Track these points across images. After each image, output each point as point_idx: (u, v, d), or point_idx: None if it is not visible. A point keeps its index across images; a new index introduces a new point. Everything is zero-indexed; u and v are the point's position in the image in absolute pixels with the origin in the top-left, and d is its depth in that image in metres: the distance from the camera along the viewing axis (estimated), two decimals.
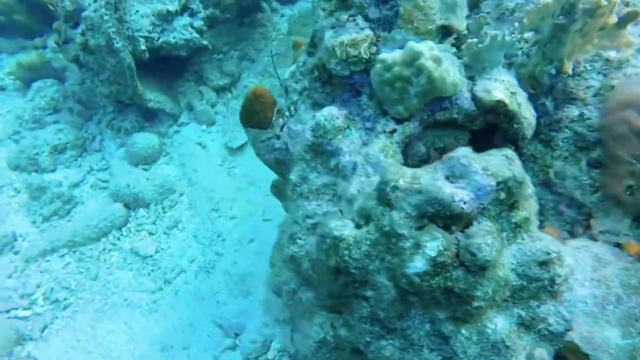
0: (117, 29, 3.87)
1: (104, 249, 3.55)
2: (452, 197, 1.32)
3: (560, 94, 1.97)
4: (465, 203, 1.32)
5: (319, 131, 1.76)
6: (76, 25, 4.23)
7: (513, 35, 1.64)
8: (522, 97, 1.76)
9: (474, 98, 1.74)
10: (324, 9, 1.89)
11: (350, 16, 1.72)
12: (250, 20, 5.37)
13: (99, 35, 3.88)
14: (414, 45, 1.56)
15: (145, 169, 4.15)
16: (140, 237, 3.59)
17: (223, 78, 4.79)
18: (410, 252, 1.37)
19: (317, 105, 1.99)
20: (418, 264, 1.33)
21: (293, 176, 1.88)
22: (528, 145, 2.06)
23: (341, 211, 1.75)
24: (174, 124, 4.56)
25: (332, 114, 1.74)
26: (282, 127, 2.02)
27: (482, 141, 1.97)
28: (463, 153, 1.38)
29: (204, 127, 4.53)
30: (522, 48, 1.75)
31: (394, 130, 1.73)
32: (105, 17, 3.79)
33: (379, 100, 1.77)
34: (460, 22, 1.74)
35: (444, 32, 1.78)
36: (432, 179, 1.40)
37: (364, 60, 1.72)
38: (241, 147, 4.26)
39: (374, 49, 1.72)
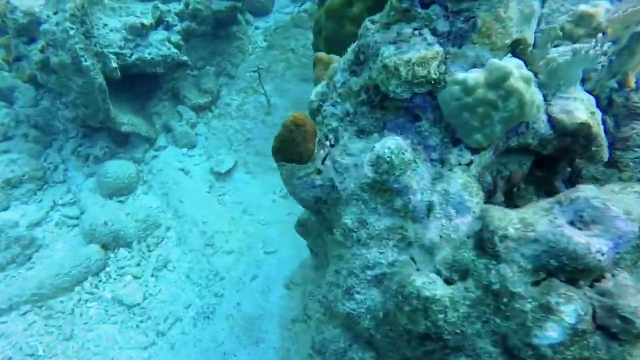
0: (85, 45, 3.37)
1: (79, 301, 3.02)
2: (587, 248, 1.08)
3: (621, 110, 1.83)
4: (603, 255, 1.08)
5: (382, 166, 1.47)
6: (31, 40, 3.68)
7: (597, 48, 1.45)
8: (599, 116, 1.57)
9: (550, 120, 1.53)
10: (373, 22, 1.62)
11: (415, 29, 1.45)
12: (225, 33, 5.00)
13: (63, 52, 3.36)
14: (500, 63, 1.32)
15: (121, 202, 3.63)
16: (124, 282, 3.08)
17: (202, 96, 4.38)
18: (536, 317, 1.11)
19: (364, 133, 1.70)
20: (552, 334, 1.07)
21: (348, 220, 1.56)
22: (587, 167, 1.90)
23: (413, 259, 1.46)
24: (150, 148, 4.07)
25: (399, 145, 1.45)
26: (324, 160, 1.70)
27: (538, 165, 1.78)
28: (593, 193, 1.14)
29: (185, 150, 4.09)
30: (601, 62, 1.57)
31: (471, 162, 1.48)
32: (71, 32, 3.29)
33: (447, 126, 1.51)
34: (531, 34, 1.53)
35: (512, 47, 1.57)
36: (551, 225, 1.15)
37: (432, 82, 1.46)
38: (229, 172, 3.86)
39: (443, 67, 1.46)
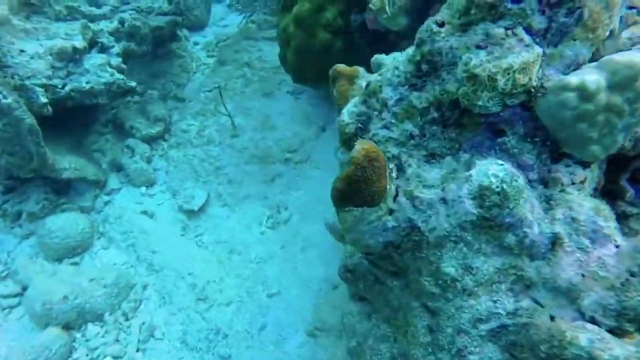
0: (0, 77, 2.62)
1: None
2: None
3: None
4: None
5: (490, 199, 1.16)
6: None
7: None
8: None
9: None
10: (439, 23, 1.30)
11: (507, 29, 1.17)
12: (164, 51, 4.39)
13: None
14: (627, 59, 1.09)
15: (76, 264, 2.91)
16: None
17: (153, 125, 3.73)
18: None
19: (435, 157, 1.38)
20: None
21: (450, 268, 1.23)
22: None
23: (538, 303, 1.18)
24: (100, 193, 3.35)
25: (509, 171, 1.16)
26: (396, 196, 1.35)
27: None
28: None
29: (143, 189, 3.43)
30: None
31: (584, 179, 1.23)
32: None
33: (544, 140, 1.25)
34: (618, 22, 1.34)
35: None
36: None
37: (530, 90, 1.19)
38: (202, 208, 3.31)
39: (540, 72, 1.20)
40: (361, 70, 1.74)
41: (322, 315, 2.46)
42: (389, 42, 2.91)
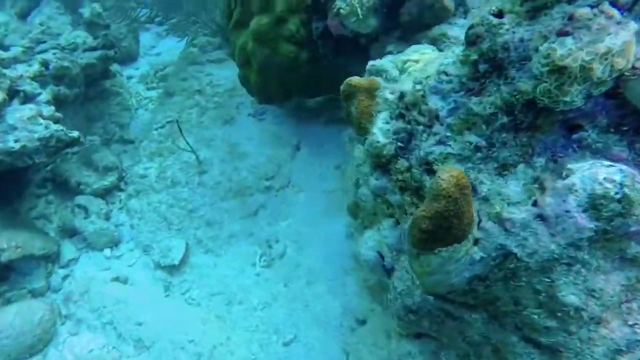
0: None
1: None
2: None
3: None
4: None
5: (608, 208, 0.95)
6: None
7: None
8: None
9: None
10: (496, 14, 1.08)
11: (592, 7, 0.97)
12: (97, 91, 3.82)
13: None
14: None
15: None
16: None
17: (104, 176, 3.17)
18: None
19: (508, 168, 1.16)
20: None
21: (572, 297, 1.01)
22: None
23: None
24: (54, 267, 2.74)
25: (627, 172, 0.96)
26: (479, 222, 1.11)
27: None
28: None
29: (108, 252, 2.88)
30: None
31: None
32: None
33: (636, 128, 1.08)
34: None
35: None
36: None
37: (624, 74, 1.00)
38: (183, 259, 2.84)
39: None
40: (380, 80, 1.48)
41: (361, 355, 2.15)
42: (360, 45, 2.70)
